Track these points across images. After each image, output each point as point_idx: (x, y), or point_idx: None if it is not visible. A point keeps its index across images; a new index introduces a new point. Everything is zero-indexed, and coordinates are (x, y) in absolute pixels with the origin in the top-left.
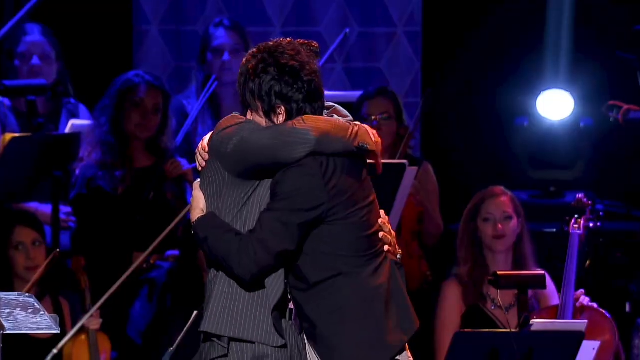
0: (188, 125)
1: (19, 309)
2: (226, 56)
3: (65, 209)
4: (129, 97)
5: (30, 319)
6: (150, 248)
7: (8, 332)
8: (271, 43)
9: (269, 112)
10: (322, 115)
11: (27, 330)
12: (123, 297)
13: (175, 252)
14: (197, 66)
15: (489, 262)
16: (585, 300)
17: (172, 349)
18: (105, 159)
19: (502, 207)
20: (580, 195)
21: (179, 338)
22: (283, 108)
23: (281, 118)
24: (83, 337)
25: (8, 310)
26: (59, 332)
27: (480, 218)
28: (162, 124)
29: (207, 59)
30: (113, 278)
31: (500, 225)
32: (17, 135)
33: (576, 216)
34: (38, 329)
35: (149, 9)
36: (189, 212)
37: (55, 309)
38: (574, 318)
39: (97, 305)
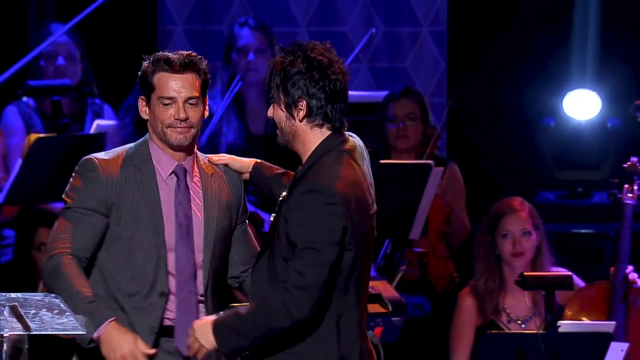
0: (213, 126)
1: (45, 310)
2: (251, 56)
3: None
4: None
5: (56, 319)
6: None
7: (34, 333)
8: (304, 42)
9: (290, 106)
10: (341, 118)
11: (53, 331)
12: None
13: None
14: (222, 66)
15: (506, 276)
16: (634, 276)
17: None
18: None
19: (521, 223)
20: (634, 159)
21: None
22: (305, 103)
23: (302, 114)
24: None
25: (34, 311)
26: (85, 333)
27: (498, 233)
28: None
29: (232, 58)
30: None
31: (519, 244)
32: (42, 135)
33: (626, 186)
34: (64, 330)
35: (174, 8)
36: None
37: None
38: (624, 296)
39: None
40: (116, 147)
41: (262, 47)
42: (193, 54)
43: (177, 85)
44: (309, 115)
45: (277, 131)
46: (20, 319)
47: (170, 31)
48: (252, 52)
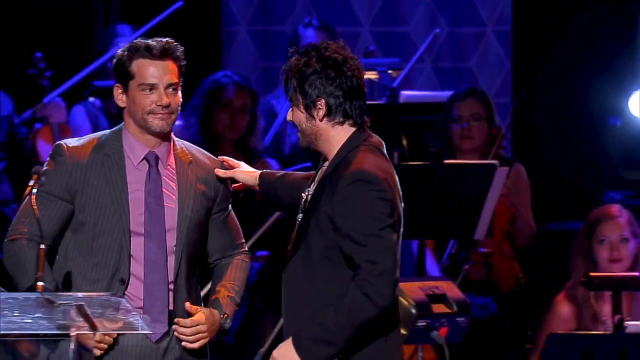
0: (277, 126)
1: (111, 310)
2: None
3: None
4: (218, 97)
5: (123, 319)
6: None
7: (100, 332)
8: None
9: (310, 107)
10: (361, 113)
11: (119, 330)
12: None
13: (266, 253)
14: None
15: None
16: None
17: (263, 349)
18: None
19: (618, 229)
20: None
21: (270, 339)
22: (324, 102)
23: (321, 113)
24: None
25: (100, 311)
26: (151, 332)
27: (595, 239)
28: (250, 124)
29: None
30: (206, 278)
31: (616, 250)
32: None
33: None
34: (131, 330)
35: (238, 9)
36: (281, 213)
37: None
38: None
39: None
40: None
41: None
42: (170, 40)
43: (157, 72)
44: (329, 113)
45: (298, 134)
46: (86, 318)
47: (234, 32)
48: None
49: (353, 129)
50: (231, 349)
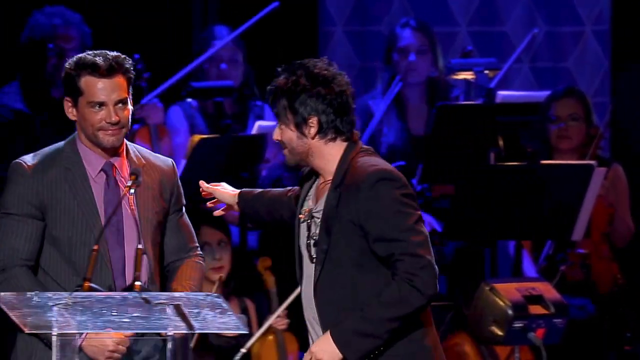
0: (373, 126)
1: (207, 309)
2: (412, 57)
3: None
4: None
5: (219, 319)
6: None
7: (197, 332)
8: (303, 60)
9: (301, 125)
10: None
11: (215, 330)
12: None
13: None
14: (382, 66)
15: None
16: None
17: (244, 349)
18: None
19: None
20: None
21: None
22: (315, 120)
23: (313, 130)
24: (271, 337)
25: (197, 310)
26: (247, 332)
27: None
28: None
29: (392, 59)
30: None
31: None
32: (205, 136)
33: None
34: (226, 329)
35: (334, 10)
36: None
37: (242, 310)
38: None
39: (283, 305)
40: (276, 148)
41: (423, 48)
42: (117, 54)
43: (106, 90)
44: (321, 131)
45: (285, 152)
46: (183, 317)
47: (331, 32)
48: (413, 52)
49: (345, 144)
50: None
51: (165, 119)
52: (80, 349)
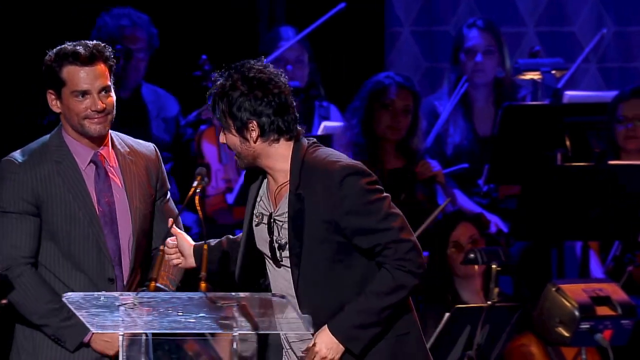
0: (439, 126)
1: (272, 309)
2: (479, 57)
3: None
4: (380, 98)
5: (284, 319)
6: None
7: (262, 332)
8: (239, 63)
9: (242, 129)
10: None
11: (280, 330)
12: None
13: (425, 253)
14: (449, 67)
15: None
16: None
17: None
18: (357, 161)
19: None
20: None
21: (432, 339)
22: (255, 123)
23: (254, 134)
24: None
25: (262, 310)
26: (312, 332)
27: None
28: (412, 125)
29: (459, 59)
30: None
31: None
32: None
33: None
34: (291, 330)
35: (401, 10)
36: (440, 213)
37: None
38: None
39: None
40: (342, 148)
41: (490, 48)
42: (97, 42)
43: (88, 78)
44: (262, 134)
45: (235, 157)
46: (249, 318)
47: (397, 33)
48: (480, 53)
49: (291, 142)
50: None
51: None
52: (88, 344)
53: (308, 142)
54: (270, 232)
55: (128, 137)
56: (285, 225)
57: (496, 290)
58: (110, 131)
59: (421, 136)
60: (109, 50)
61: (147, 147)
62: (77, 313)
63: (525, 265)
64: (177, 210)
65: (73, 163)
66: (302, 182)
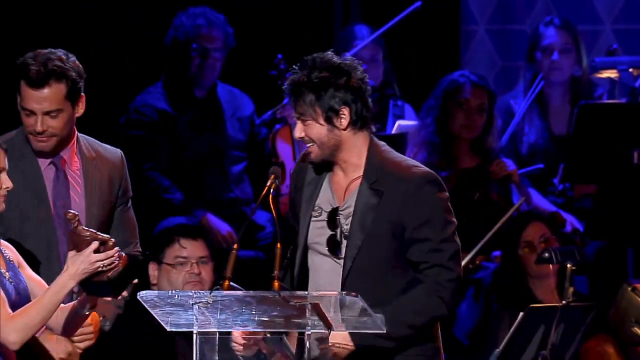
0: (514, 125)
1: (346, 309)
2: (555, 55)
3: None
4: (454, 97)
5: (358, 318)
6: (476, 248)
7: (335, 331)
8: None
9: (331, 118)
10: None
11: (353, 330)
12: None
13: (497, 252)
14: (525, 65)
15: None
16: None
17: (498, 350)
18: (431, 160)
19: None
20: None
21: (506, 339)
22: (347, 110)
23: (345, 122)
24: None
25: (335, 310)
26: (384, 331)
27: None
28: (487, 124)
29: (535, 57)
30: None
31: None
32: None
33: None
34: (365, 329)
35: (477, 8)
36: (515, 212)
37: None
38: None
39: None
40: (416, 147)
41: (566, 47)
42: (60, 56)
43: (35, 100)
44: (352, 121)
45: (312, 149)
46: (322, 317)
47: (473, 31)
48: (557, 51)
49: (369, 135)
50: (467, 350)
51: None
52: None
53: (378, 140)
54: (335, 225)
55: (96, 141)
56: (349, 220)
57: (571, 289)
58: (78, 134)
59: (496, 135)
60: (71, 64)
61: (113, 153)
62: (152, 311)
63: (601, 265)
64: (134, 219)
65: (33, 162)
66: (379, 178)
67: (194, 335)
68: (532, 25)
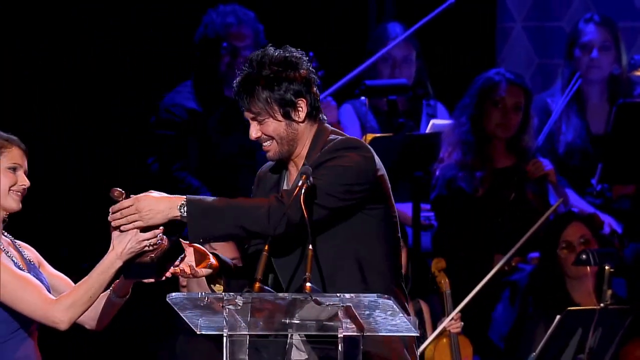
0: (551, 124)
1: (378, 311)
2: (595, 53)
3: (426, 208)
4: (490, 95)
5: (390, 321)
6: (512, 250)
7: (367, 334)
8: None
9: (289, 112)
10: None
11: (385, 332)
12: (484, 300)
13: (535, 254)
14: (563, 62)
15: None
16: None
17: (534, 354)
18: (466, 159)
19: None
20: None
21: (542, 343)
22: (304, 101)
23: (302, 113)
24: (444, 340)
25: (368, 312)
26: (418, 334)
27: None
28: (523, 123)
29: (574, 55)
30: (474, 280)
31: None
32: (378, 135)
33: None
34: (397, 332)
35: (513, 5)
36: (552, 214)
37: (416, 312)
38: None
39: (458, 308)
40: (451, 146)
41: (606, 44)
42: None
43: None
44: (309, 113)
45: (271, 146)
46: (354, 319)
47: (509, 29)
48: (596, 48)
49: (320, 123)
50: (502, 354)
51: (339, 118)
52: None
53: (329, 126)
54: None
55: None
56: None
57: (609, 292)
58: None
59: (532, 134)
60: None
61: None
62: (181, 314)
63: None
64: None
65: None
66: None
67: (224, 339)
68: (569, 22)
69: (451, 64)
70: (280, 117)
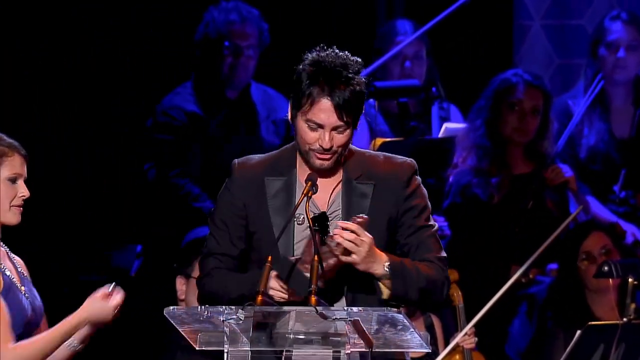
0: (572, 127)
1: (388, 326)
2: (621, 52)
3: (438, 218)
4: (506, 98)
5: (400, 336)
6: (529, 261)
7: (376, 350)
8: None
9: (356, 123)
10: None
11: (395, 348)
12: (500, 314)
13: (554, 265)
14: (587, 62)
15: None
16: None
17: None
18: (481, 165)
19: None
20: None
21: (563, 358)
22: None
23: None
24: (457, 357)
25: (377, 327)
26: (429, 351)
27: None
28: (541, 127)
29: (599, 54)
30: (489, 293)
31: None
32: (388, 139)
33: None
34: (408, 347)
35: (532, 3)
36: (572, 222)
37: (427, 327)
38: None
39: (471, 322)
40: (466, 151)
41: (634, 43)
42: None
43: None
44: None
45: (331, 158)
46: (362, 334)
47: (527, 27)
48: (623, 47)
49: None
50: None
51: None
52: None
53: None
54: (325, 230)
55: None
56: (335, 220)
57: (633, 306)
58: None
59: (552, 139)
60: None
61: None
62: (180, 329)
63: None
64: None
65: None
66: (363, 173)
67: (225, 355)
68: (591, 20)
69: (465, 64)
70: (352, 129)
